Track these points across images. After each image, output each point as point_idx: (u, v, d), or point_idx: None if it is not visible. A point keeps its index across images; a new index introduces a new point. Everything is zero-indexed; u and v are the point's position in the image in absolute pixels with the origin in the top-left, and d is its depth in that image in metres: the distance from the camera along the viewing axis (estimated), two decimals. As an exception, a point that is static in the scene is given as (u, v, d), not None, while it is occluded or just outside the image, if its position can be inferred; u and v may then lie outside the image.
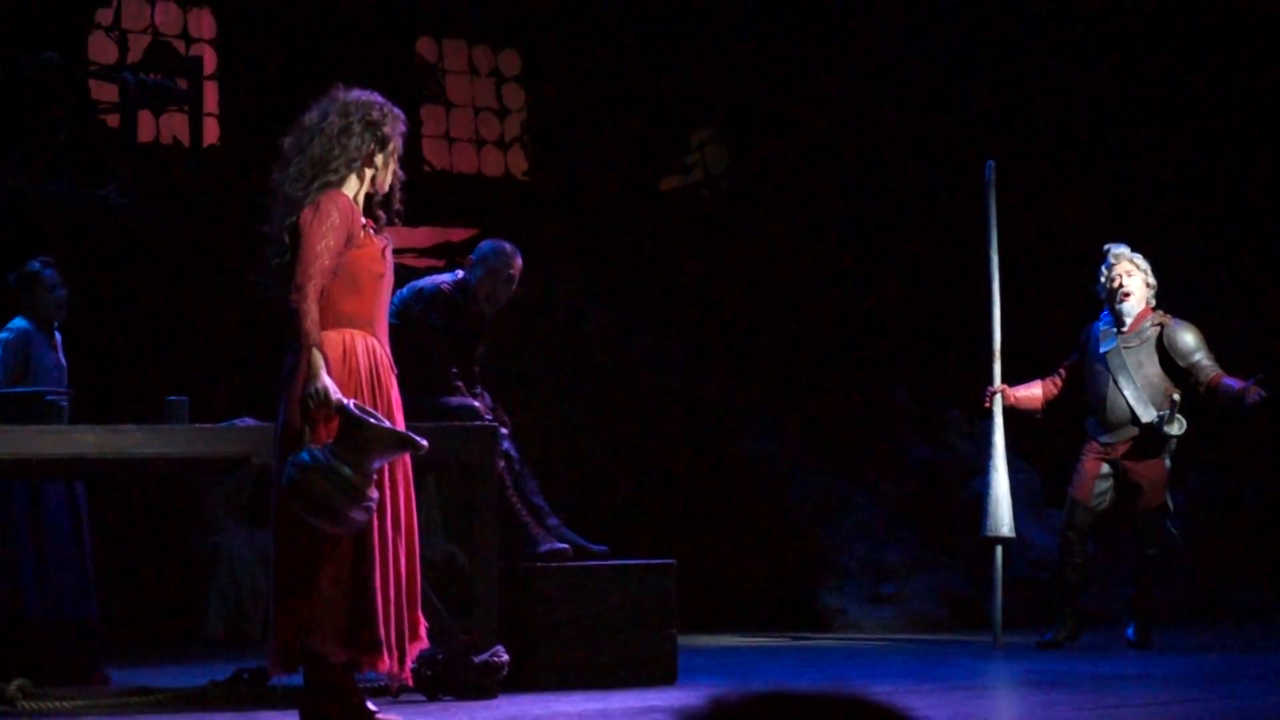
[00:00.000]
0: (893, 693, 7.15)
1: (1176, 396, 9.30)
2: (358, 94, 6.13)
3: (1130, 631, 9.45)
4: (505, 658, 7.16)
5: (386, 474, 5.95)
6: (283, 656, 6.01)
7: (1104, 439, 9.48)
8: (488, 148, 14.52)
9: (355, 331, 5.98)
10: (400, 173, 6.17)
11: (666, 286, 14.36)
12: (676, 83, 14.63)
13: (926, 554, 12.75)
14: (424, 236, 13.57)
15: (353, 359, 5.95)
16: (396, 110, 6.17)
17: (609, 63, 14.52)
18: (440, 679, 7.14)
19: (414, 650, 6.14)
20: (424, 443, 5.82)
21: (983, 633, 10.06)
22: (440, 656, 7.07)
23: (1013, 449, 9.87)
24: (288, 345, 5.90)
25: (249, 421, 7.16)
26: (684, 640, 8.30)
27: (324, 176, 5.98)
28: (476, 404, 8.10)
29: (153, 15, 13.03)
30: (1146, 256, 9.64)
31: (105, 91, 11.63)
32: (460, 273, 8.41)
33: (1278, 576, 12.68)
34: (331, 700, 6.01)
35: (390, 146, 6.11)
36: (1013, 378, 9.83)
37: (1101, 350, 9.55)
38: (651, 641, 7.85)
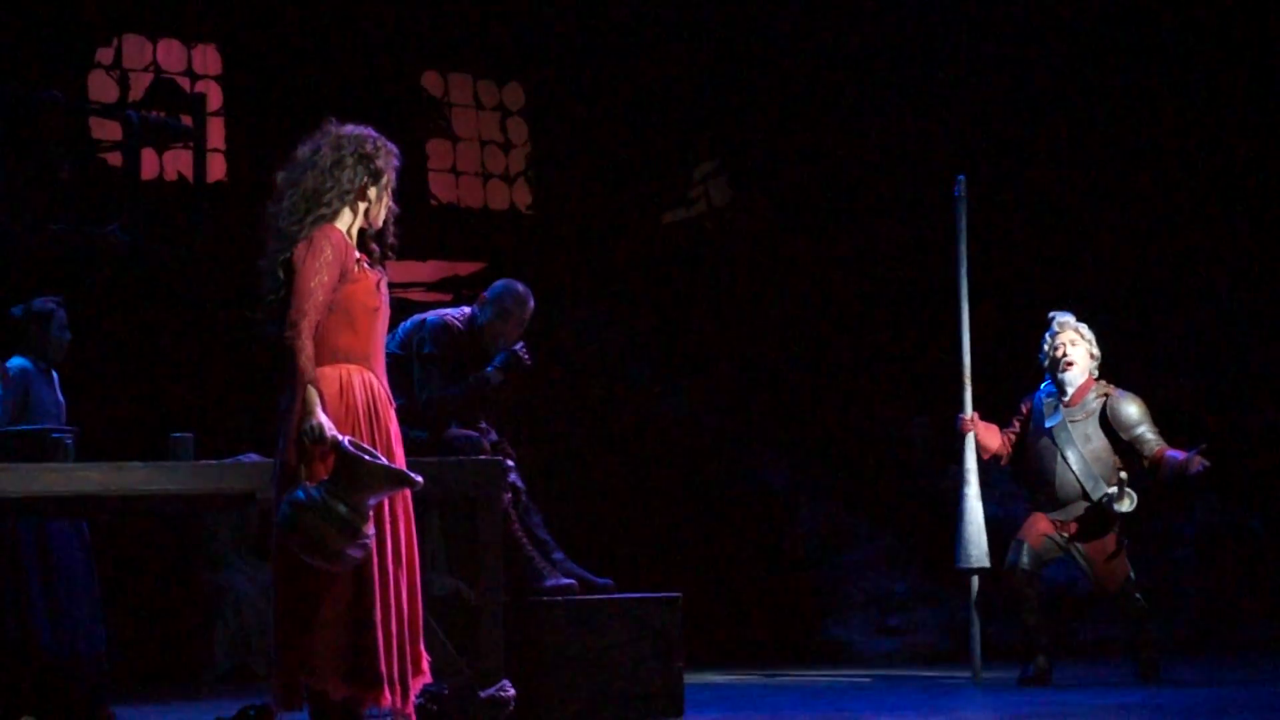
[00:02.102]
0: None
1: (1124, 474, 9.19)
2: (351, 128, 6.12)
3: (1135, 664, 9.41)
4: (511, 692, 7.14)
5: (386, 508, 5.93)
6: (285, 694, 5.98)
7: (1052, 515, 9.34)
8: (494, 181, 14.54)
9: (352, 366, 5.97)
10: (394, 206, 6.15)
11: (670, 319, 14.36)
12: (679, 116, 14.65)
13: (933, 586, 12.72)
14: (431, 270, 13.58)
15: (350, 394, 5.94)
16: (390, 144, 6.15)
17: (612, 96, 14.54)
18: (446, 714, 7.12)
19: (417, 684, 6.11)
20: (419, 479, 5.81)
21: (992, 665, 10.00)
22: (446, 691, 7.06)
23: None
24: (284, 382, 5.90)
25: (253, 457, 7.15)
26: (690, 674, 8.28)
27: (317, 210, 5.97)
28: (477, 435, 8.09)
29: (155, 53, 13.05)
30: (1091, 326, 9.50)
31: (108, 130, 11.66)
32: (469, 309, 8.42)
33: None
34: (336, 737, 5.99)
35: (384, 180, 6.09)
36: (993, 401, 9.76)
37: (1047, 425, 9.40)
38: (658, 675, 7.83)
